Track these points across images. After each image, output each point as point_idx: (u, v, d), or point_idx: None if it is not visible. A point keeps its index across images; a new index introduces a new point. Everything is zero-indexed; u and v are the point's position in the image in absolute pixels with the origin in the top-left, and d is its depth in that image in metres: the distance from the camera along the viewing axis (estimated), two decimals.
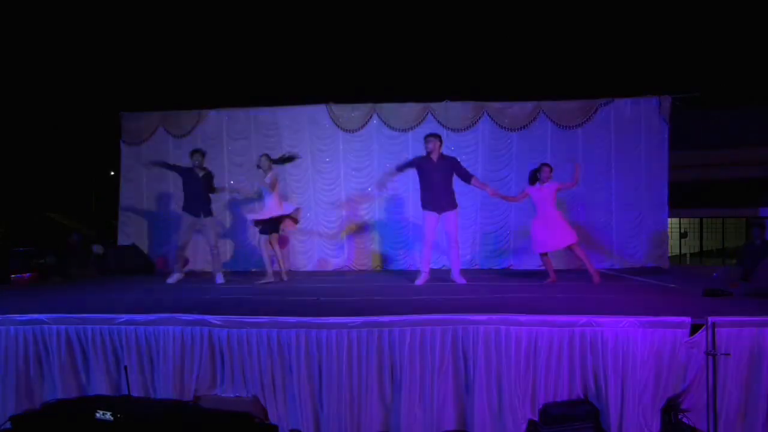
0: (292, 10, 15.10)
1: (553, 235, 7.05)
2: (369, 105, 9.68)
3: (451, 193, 6.94)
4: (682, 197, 12.37)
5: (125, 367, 4.53)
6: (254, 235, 9.57)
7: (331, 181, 9.70)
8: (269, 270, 7.57)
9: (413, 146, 9.46)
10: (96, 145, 14.29)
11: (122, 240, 9.93)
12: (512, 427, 4.28)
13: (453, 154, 8.96)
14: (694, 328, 4.32)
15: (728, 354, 4.25)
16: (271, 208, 7.43)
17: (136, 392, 4.52)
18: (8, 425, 4.25)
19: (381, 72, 14.85)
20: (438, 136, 6.98)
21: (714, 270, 8.22)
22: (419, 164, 6.97)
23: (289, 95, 10.30)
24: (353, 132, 9.67)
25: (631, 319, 4.33)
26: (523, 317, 4.40)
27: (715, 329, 4.24)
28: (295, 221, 7.93)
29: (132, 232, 9.95)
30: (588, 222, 9.43)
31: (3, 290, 6.89)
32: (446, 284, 6.87)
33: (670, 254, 10.05)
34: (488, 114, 9.55)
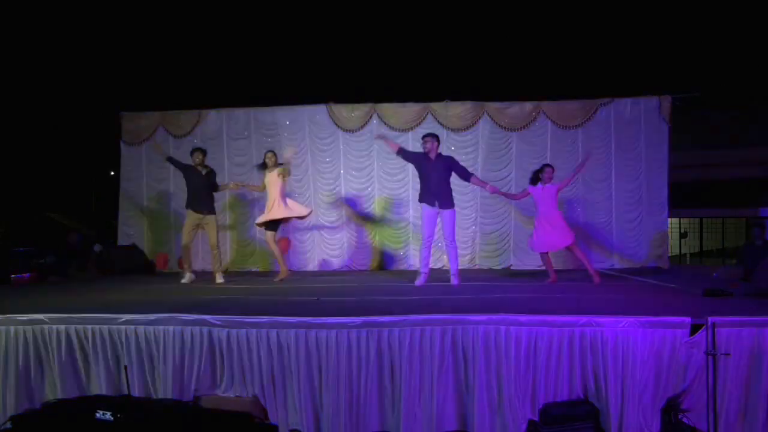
0: (291, 10, 15.10)
1: (552, 235, 7.07)
2: (369, 105, 9.68)
3: (449, 192, 6.95)
4: (682, 197, 12.37)
5: (125, 367, 4.53)
6: (253, 236, 9.64)
7: (331, 181, 9.71)
8: (284, 267, 7.66)
9: (413, 146, 9.43)
10: (96, 145, 14.28)
11: (122, 240, 9.94)
12: (512, 427, 4.27)
13: (453, 154, 8.97)
14: (694, 328, 4.32)
15: (728, 354, 4.24)
16: (277, 209, 7.44)
17: (136, 392, 4.52)
18: (8, 425, 4.25)
19: (381, 72, 14.85)
20: (435, 136, 6.99)
21: (714, 270, 8.22)
22: (419, 160, 6.99)
23: (289, 95, 10.29)
24: (353, 132, 9.67)
25: (631, 319, 4.33)
26: (523, 317, 4.39)
27: (715, 329, 4.24)
28: (302, 217, 7.97)
29: (132, 232, 9.96)
30: (588, 222, 9.44)
31: (3, 290, 6.89)
32: (446, 284, 6.87)
33: (670, 254, 10.05)
34: (488, 114, 9.55)
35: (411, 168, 9.23)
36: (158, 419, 3.96)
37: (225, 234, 9.53)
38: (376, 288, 6.81)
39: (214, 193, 7.78)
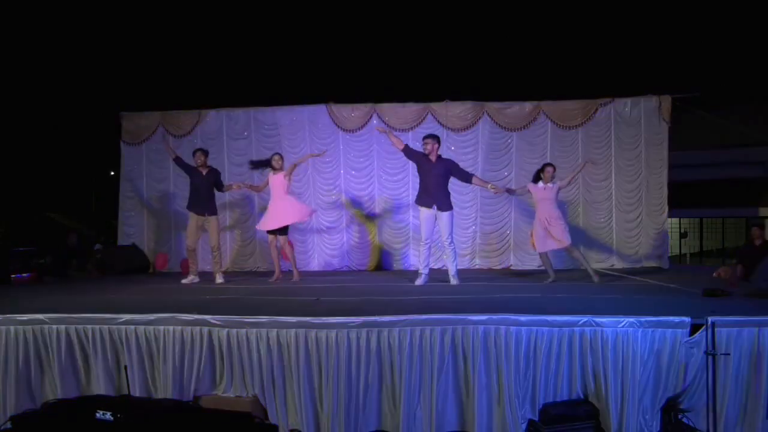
0: (291, 10, 15.10)
1: (552, 235, 7.07)
2: (369, 105, 9.67)
3: (447, 194, 6.98)
4: (682, 197, 12.37)
5: (125, 367, 4.54)
6: (253, 236, 9.63)
7: (331, 181, 9.71)
8: (295, 270, 7.75)
9: (413, 146, 9.43)
10: (96, 145, 14.28)
11: (122, 240, 9.94)
12: (512, 427, 4.28)
13: (453, 154, 9.03)
14: (694, 328, 4.32)
15: (728, 354, 4.25)
16: (287, 214, 7.45)
17: (136, 392, 4.52)
18: (8, 425, 4.25)
19: (381, 72, 14.85)
20: (436, 138, 7.02)
21: (714, 270, 8.22)
22: (420, 160, 7.00)
23: (289, 95, 10.29)
24: (353, 132, 9.67)
25: (631, 319, 4.34)
26: (523, 317, 4.40)
27: (715, 329, 4.24)
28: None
29: (132, 232, 9.96)
30: (588, 222, 9.45)
31: (3, 290, 6.89)
32: (446, 284, 6.88)
33: (670, 254, 10.05)
34: (488, 114, 9.55)
35: (411, 168, 9.23)
36: (158, 419, 3.97)
37: (225, 234, 9.53)
38: (376, 288, 6.81)
39: (219, 193, 7.78)
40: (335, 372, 4.34)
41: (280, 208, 7.49)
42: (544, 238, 7.13)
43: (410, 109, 9.62)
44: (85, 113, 13.78)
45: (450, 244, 6.95)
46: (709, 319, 4.26)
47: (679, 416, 4.42)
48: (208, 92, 12.16)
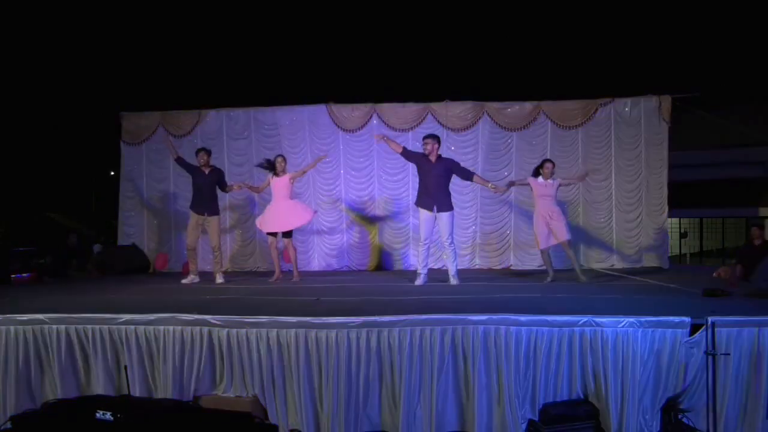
0: (291, 10, 15.10)
1: (553, 230, 7.08)
2: (369, 105, 9.68)
3: (448, 195, 6.97)
4: (682, 197, 12.37)
5: (125, 367, 4.54)
6: (253, 236, 9.63)
7: (331, 181, 9.71)
8: (296, 270, 7.76)
9: (413, 146, 9.44)
10: (96, 145, 14.28)
11: (122, 240, 9.94)
12: (512, 427, 4.28)
13: (453, 154, 9.02)
14: (694, 328, 4.32)
15: (728, 354, 4.25)
16: (285, 220, 7.46)
17: (136, 392, 4.52)
18: (8, 425, 4.25)
19: (381, 72, 14.84)
20: (436, 138, 7.01)
21: (714, 270, 8.23)
22: (420, 161, 7.00)
23: (289, 95, 10.29)
24: (353, 132, 9.67)
25: (631, 319, 4.34)
26: (523, 317, 4.40)
27: (715, 329, 4.24)
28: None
29: (132, 232, 9.96)
30: (588, 222, 9.45)
31: (3, 290, 6.89)
32: (446, 284, 6.88)
33: (670, 254, 10.05)
34: (488, 114, 9.55)
35: (411, 168, 9.22)
36: (158, 419, 3.96)
37: (225, 234, 9.53)
38: (376, 288, 6.81)
39: (221, 193, 7.78)
40: (335, 372, 4.34)
41: (284, 211, 7.48)
42: (547, 234, 7.13)
43: (410, 109, 9.62)
44: (85, 113, 13.79)
45: (450, 244, 6.95)
46: (709, 319, 4.26)
47: (679, 416, 4.42)
48: (208, 92, 12.16)
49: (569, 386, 4.41)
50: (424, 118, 9.55)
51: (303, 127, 9.71)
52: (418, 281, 6.97)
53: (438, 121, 9.50)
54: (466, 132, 9.56)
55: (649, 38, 15.15)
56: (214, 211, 7.56)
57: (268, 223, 7.56)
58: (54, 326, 4.63)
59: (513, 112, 9.58)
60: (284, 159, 7.64)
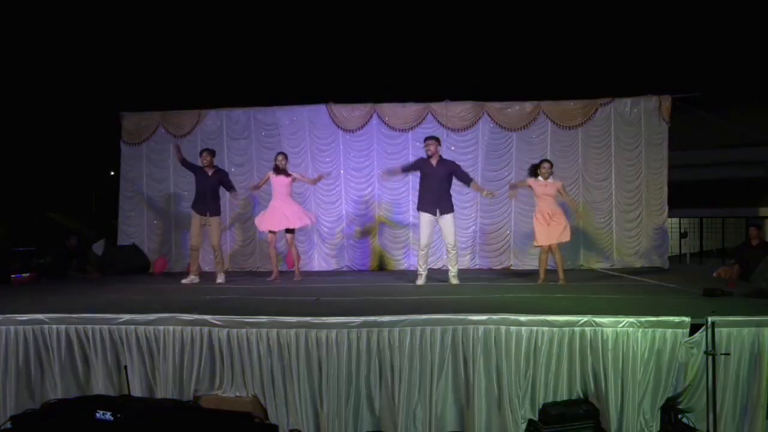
0: (291, 10, 15.08)
1: (554, 230, 7.04)
2: (369, 105, 9.68)
3: (449, 196, 6.99)
4: (682, 197, 12.35)
5: (125, 367, 4.54)
6: (253, 236, 9.63)
7: (331, 181, 9.70)
8: (297, 270, 7.80)
9: (413, 146, 9.47)
10: (96, 145, 14.26)
11: (122, 240, 9.93)
12: (512, 427, 4.28)
13: (453, 154, 9.04)
14: (694, 328, 4.32)
15: (728, 354, 4.25)
16: (287, 218, 7.46)
17: (136, 392, 4.52)
18: (8, 425, 4.25)
19: (381, 72, 14.82)
20: (438, 140, 7.03)
21: (714, 270, 8.23)
22: (421, 166, 7.00)
23: (289, 95, 10.28)
24: (353, 132, 9.67)
25: (631, 319, 4.34)
26: (523, 317, 4.40)
27: (715, 329, 4.24)
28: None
29: (132, 232, 9.95)
30: (588, 222, 9.44)
31: (3, 290, 6.89)
32: (446, 284, 6.88)
33: (670, 254, 10.05)
34: (488, 114, 9.55)
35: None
36: (158, 419, 3.96)
37: (225, 234, 9.52)
38: (376, 288, 6.82)
39: (223, 193, 7.78)
40: (335, 372, 4.35)
41: (284, 209, 7.47)
42: (546, 233, 7.10)
43: (410, 109, 9.62)
44: (85, 113, 13.77)
45: (454, 247, 6.97)
46: (709, 319, 4.27)
47: (679, 416, 4.43)
48: (208, 92, 12.13)
49: (569, 386, 4.42)
50: (424, 118, 9.55)
51: (303, 127, 9.71)
52: (419, 281, 6.97)
53: (438, 121, 9.50)
54: (466, 132, 9.56)
55: (649, 38, 15.13)
56: (216, 211, 7.57)
57: (268, 221, 7.56)
58: (54, 326, 4.64)
59: (513, 112, 9.57)
60: (285, 156, 7.62)
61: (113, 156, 10.54)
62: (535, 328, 4.37)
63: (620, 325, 4.32)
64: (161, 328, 4.57)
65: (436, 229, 7.20)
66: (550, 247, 7.09)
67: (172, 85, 13.91)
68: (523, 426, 4.32)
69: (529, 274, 8.26)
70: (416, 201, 7.29)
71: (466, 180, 7.07)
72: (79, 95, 14.21)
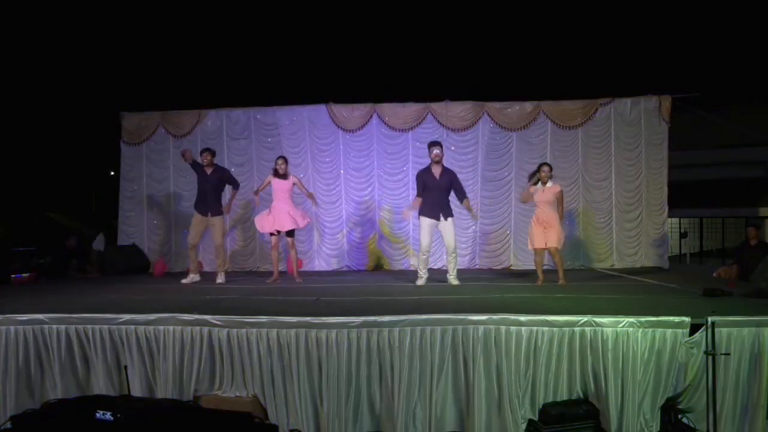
0: (291, 10, 15.09)
1: (547, 233, 7.04)
2: (369, 105, 9.67)
3: (449, 202, 7.03)
4: (682, 197, 12.35)
5: (125, 367, 4.54)
6: (253, 236, 9.63)
7: (331, 181, 9.70)
8: (296, 271, 7.79)
9: (413, 146, 9.47)
10: (96, 145, 14.27)
11: (122, 240, 9.93)
12: (512, 427, 4.28)
13: (453, 154, 9.05)
14: (694, 328, 4.32)
15: (728, 354, 4.25)
16: (292, 218, 7.47)
17: (136, 392, 4.52)
18: (8, 425, 4.25)
19: (381, 72, 14.83)
20: (442, 145, 7.10)
21: (714, 270, 8.23)
22: (425, 180, 7.01)
23: (289, 95, 10.28)
24: (353, 132, 9.67)
25: (631, 319, 4.34)
26: (523, 317, 4.40)
27: (715, 329, 4.24)
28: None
29: (132, 232, 9.95)
30: (588, 222, 9.44)
31: (3, 290, 6.89)
32: (446, 284, 6.88)
33: (670, 254, 10.05)
34: (488, 114, 9.55)
35: (411, 168, 9.28)
36: (158, 419, 3.96)
37: (225, 234, 9.51)
38: (376, 288, 6.82)
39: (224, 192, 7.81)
40: (335, 372, 4.35)
41: (285, 212, 7.48)
42: (540, 237, 7.08)
43: (410, 109, 9.61)
44: (85, 113, 13.78)
45: (454, 251, 7.00)
46: (709, 319, 4.26)
47: (679, 416, 4.42)
48: (208, 92, 12.14)
49: (569, 386, 4.41)
50: (424, 118, 9.55)
51: (303, 127, 9.71)
52: (419, 282, 6.98)
53: (438, 121, 9.50)
54: (466, 132, 9.55)
55: (649, 38, 15.14)
56: (217, 211, 7.59)
57: (269, 223, 7.55)
58: (54, 326, 4.64)
59: (513, 112, 9.57)
60: (285, 160, 7.61)
61: (113, 156, 10.54)
62: (535, 328, 4.37)
63: (620, 325, 4.32)
64: (161, 328, 4.57)
65: (436, 233, 7.22)
66: (548, 250, 7.09)
67: (172, 85, 13.92)
68: (523, 426, 4.32)
69: (529, 274, 8.25)
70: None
71: (461, 195, 7.08)
72: (79, 95, 14.22)
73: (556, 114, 9.49)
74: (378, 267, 9.58)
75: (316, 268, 9.56)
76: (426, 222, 6.95)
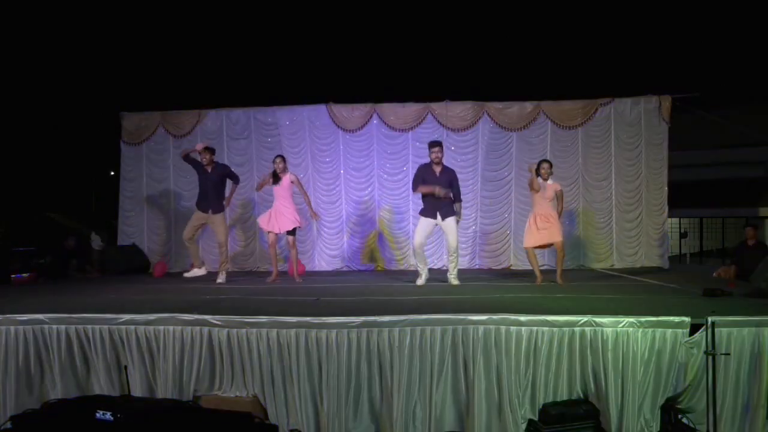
0: (291, 10, 15.09)
1: (548, 231, 7.04)
2: (369, 105, 9.68)
3: (450, 201, 7.01)
4: (682, 197, 12.36)
5: (125, 367, 4.54)
6: (253, 236, 9.63)
7: (331, 181, 9.71)
8: (296, 272, 7.79)
9: (413, 146, 9.48)
10: (96, 145, 14.27)
11: (122, 240, 9.94)
12: (512, 427, 4.28)
13: (453, 154, 9.05)
14: (694, 328, 4.32)
15: (728, 354, 4.25)
16: (292, 218, 7.48)
17: (136, 392, 4.52)
18: (8, 425, 4.25)
19: (381, 72, 14.83)
20: (443, 145, 7.08)
21: (714, 270, 8.24)
22: (425, 176, 6.99)
23: (289, 95, 10.29)
24: (353, 132, 9.67)
25: (631, 319, 4.34)
26: (523, 317, 4.40)
27: (715, 329, 4.24)
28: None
29: (132, 232, 9.96)
30: (588, 222, 9.44)
31: (3, 290, 6.89)
32: (446, 284, 6.88)
33: (670, 254, 10.06)
34: (488, 114, 9.55)
35: (411, 168, 9.26)
36: (158, 419, 3.96)
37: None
38: (376, 288, 6.82)
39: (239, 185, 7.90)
40: (335, 372, 4.35)
41: (281, 212, 7.49)
42: (535, 236, 7.07)
43: (410, 109, 9.62)
44: (85, 113, 13.78)
45: (455, 250, 6.99)
46: (709, 319, 4.26)
47: (679, 416, 4.42)
48: (208, 92, 12.14)
49: (569, 386, 4.41)
50: (424, 118, 9.55)
51: (303, 127, 9.72)
52: (419, 281, 6.98)
53: (438, 121, 9.51)
54: (466, 132, 9.56)
55: (649, 38, 15.14)
56: (218, 209, 7.62)
57: (269, 223, 7.57)
58: (54, 326, 4.63)
59: (513, 112, 9.57)
60: (283, 159, 7.61)
61: (113, 156, 10.54)
62: (535, 328, 4.37)
63: (620, 325, 4.32)
64: (161, 328, 4.57)
65: (436, 231, 7.20)
66: (554, 245, 7.09)
67: (172, 85, 13.92)
68: (523, 426, 4.32)
69: (529, 274, 8.25)
70: (416, 200, 7.29)
71: (458, 197, 7.06)
72: (80, 95, 14.21)
73: (556, 114, 9.50)
74: (378, 267, 9.58)
75: (316, 268, 9.56)
76: (423, 220, 6.95)
